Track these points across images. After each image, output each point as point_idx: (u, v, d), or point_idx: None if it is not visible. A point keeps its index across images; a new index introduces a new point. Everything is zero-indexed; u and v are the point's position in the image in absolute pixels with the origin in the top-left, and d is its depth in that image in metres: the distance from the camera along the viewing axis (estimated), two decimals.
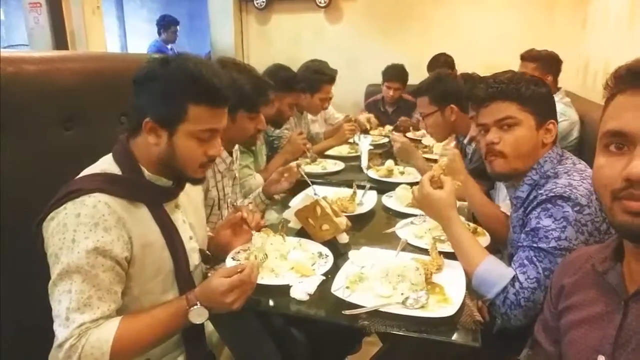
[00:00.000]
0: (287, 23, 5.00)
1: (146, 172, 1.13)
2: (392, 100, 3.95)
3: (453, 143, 2.35)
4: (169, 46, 5.47)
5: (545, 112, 1.32)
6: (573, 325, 0.87)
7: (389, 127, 3.66)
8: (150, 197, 1.13)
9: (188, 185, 1.23)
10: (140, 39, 6.20)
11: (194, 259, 1.22)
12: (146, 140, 1.09)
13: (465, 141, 2.33)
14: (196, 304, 1.04)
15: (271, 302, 1.21)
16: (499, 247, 1.66)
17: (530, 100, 1.30)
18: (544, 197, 1.21)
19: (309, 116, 3.26)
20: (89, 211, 1.00)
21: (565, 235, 1.15)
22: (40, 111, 1.27)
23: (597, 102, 2.36)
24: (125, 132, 1.16)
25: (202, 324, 1.13)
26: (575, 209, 1.15)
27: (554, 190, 1.19)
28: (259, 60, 4.73)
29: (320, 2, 4.76)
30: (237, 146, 1.93)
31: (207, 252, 1.30)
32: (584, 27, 3.87)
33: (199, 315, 1.05)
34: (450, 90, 2.26)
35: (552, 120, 1.33)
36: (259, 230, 1.44)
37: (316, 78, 2.89)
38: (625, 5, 2.91)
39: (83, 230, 0.99)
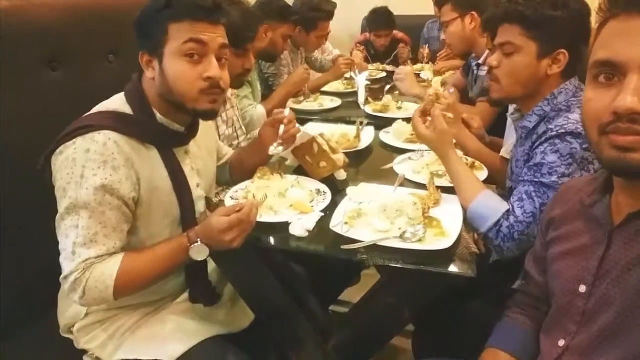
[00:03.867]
0: None
1: (158, 115, 1.11)
2: (384, 47, 3.74)
3: (452, 90, 2.31)
4: None
5: (554, 39, 1.20)
6: (559, 256, 0.89)
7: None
8: (161, 140, 1.12)
9: (199, 134, 1.22)
10: None
11: (200, 206, 1.23)
12: (148, 77, 1.09)
13: (481, 61, 2.26)
14: (197, 242, 1.06)
15: (271, 239, 1.23)
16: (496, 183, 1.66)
17: (536, 25, 1.19)
18: (554, 133, 1.15)
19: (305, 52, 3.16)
20: (98, 148, 1.00)
21: (570, 172, 1.13)
22: (20, 52, 1.22)
23: None
24: (137, 72, 1.14)
25: (205, 262, 1.16)
26: (584, 146, 1.11)
27: (566, 126, 1.14)
28: None
29: None
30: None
31: (213, 199, 1.31)
32: None
33: (199, 252, 1.07)
34: None
35: (563, 50, 1.20)
36: (288, 142, 1.42)
37: (312, 16, 2.75)
38: None
39: (92, 167, 0.99)
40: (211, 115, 1.16)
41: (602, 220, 0.80)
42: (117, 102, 1.11)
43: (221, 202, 1.36)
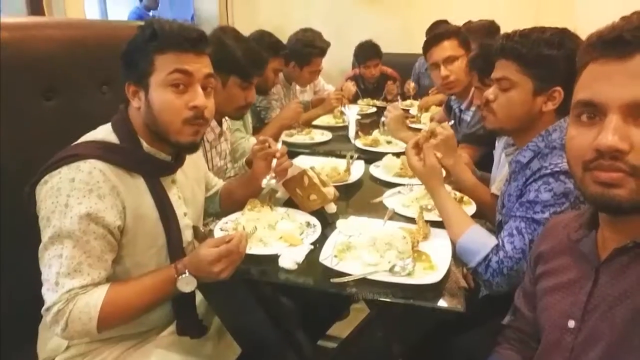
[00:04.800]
0: None
1: (144, 144, 1.12)
2: (374, 78, 3.85)
3: (451, 122, 2.34)
4: (151, 13, 5.31)
5: (550, 77, 1.21)
6: (548, 291, 0.89)
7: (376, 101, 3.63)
8: (147, 169, 1.12)
9: (187, 163, 1.22)
10: (121, 6, 5.99)
11: (187, 235, 1.22)
12: (135, 109, 1.10)
13: (463, 106, 2.30)
14: (184, 273, 1.05)
15: (260, 271, 1.22)
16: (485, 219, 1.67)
17: (532, 62, 1.21)
18: (548, 171, 1.17)
19: (297, 86, 3.22)
20: (83, 177, 0.99)
21: (562, 210, 1.13)
22: (17, 81, 1.23)
23: None
24: (123, 103, 1.15)
25: (192, 294, 1.14)
26: (577, 186, 1.12)
27: (560, 165, 1.15)
28: (245, 29, 4.51)
29: None
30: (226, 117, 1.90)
31: (201, 228, 1.31)
32: None
33: (187, 284, 1.05)
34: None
35: (558, 88, 1.21)
36: (281, 174, 1.45)
37: (307, 52, 2.82)
38: None
39: (77, 196, 0.98)
40: (192, 148, 1.17)
41: (588, 255, 0.81)
42: (104, 132, 1.11)
43: (209, 232, 1.35)
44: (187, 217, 1.23)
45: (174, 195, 1.19)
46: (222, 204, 1.54)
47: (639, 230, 0.72)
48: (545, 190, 1.16)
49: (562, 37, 1.21)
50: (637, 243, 0.71)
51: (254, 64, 1.74)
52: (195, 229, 1.27)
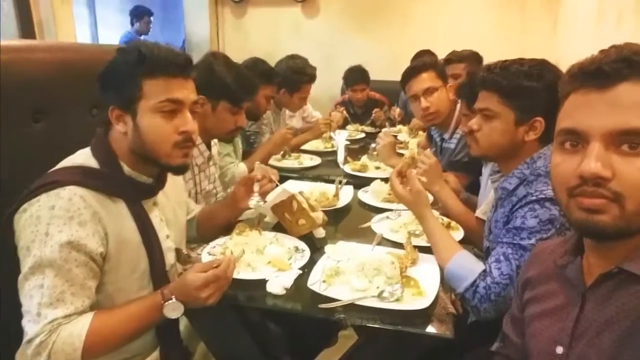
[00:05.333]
0: (263, 17, 4.96)
1: (125, 168, 1.10)
2: (361, 102, 3.93)
3: (432, 150, 2.37)
4: (142, 37, 5.35)
5: (531, 108, 1.25)
6: (535, 317, 0.89)
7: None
8: (128, 193, 1.10)
9: (167, 185, 1.21)
10: (112, 30, 6.04)
11: (170, 258, 1.21)
12: (118, 131, 1.08)
13: (446, 136, 2.34)
14: (171, 299, 1.03)
15: (248, 297, 1.21)
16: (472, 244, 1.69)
17: (512, 94, 1.25)
18: (533, 197, 1.19)
19: (287, 112, 3.25)
20: (64, 204, 0.97)
21: (548, 237, 1.15)
22: (7, 102, 1.23)
23: None
24: (102, 126, 1.13)
25: (177, 319, 1.12)
26: (562, 212, 1.14)
27: (545, 192, 1.18)
28: (236, 54, 4.58)
29: None
30: (215, 140, 1.92)
31: (184, 251, 1.29)
32: (555, 28, 3.97)
33: (173, 309, 1.04)
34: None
35: (539, 118, 1.25)
36: (263, 196, 1.48)
37: (297, 79, 2.87)
38: (593, 8, 3.00)
39: (57, 224, 0.96)
40: (182, 170, 1.17)
41: (574, 281, 0.82)
42: (83, 157, 1.09)
43: (196, 256, 1.34)
44: (169, 239, 1.21)
45: (155, 217, 1.17)
46: (199, 229, 1.53)
47: (623, 256, 0.73)
48: (531, 216, 1.18)
49: (541, 69, 1.25)
50: (622, 269, 0.72)
51: (244, 89, 1.77)
52: (177, 251, 1.25)
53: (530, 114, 1.25)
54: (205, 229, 1.52)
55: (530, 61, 1.28)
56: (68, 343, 0.95)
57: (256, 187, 1.45)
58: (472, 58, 2.99)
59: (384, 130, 2.50)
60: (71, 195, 0.98)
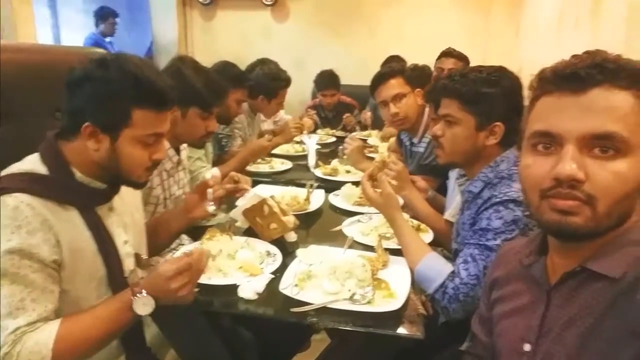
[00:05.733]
0: (233, 20, 4.93)
1: (77, 174, 1.05)
2: (331, 106, 3.96)
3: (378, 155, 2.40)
4: (108, 39, 5.21)
5: (489, 114, 1.29)
6: (503, 316, 0.91)
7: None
8: (81, 200, 1.05)
9: (123, 188, 1.17)
10: (76, 31, 5.86)
11: (129, 264, 1.16)
12: (83, 145, 1.03)
13: (415, 140, 2.37)
14: (141, 292, 0.99)
15: (219, 302, 1.20)
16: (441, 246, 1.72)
17: (472, 100, 1.29)
18: (498, 199, 1.23)
19: (261, 116, 3.25)
20: (10, 212, 0.92)
21: (512, 237, 1.18)
22: None
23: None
24: (55, 130, 1.08)
25: (143, 327, 1.09)
26: (526, 213, 1.17)
27: (509, 193, 1.21)
28: (205, 57, 4.54)
29: (266, 0, 4.74)
30: (185, 145, 1.89)
31: (143, 256, 1.25)
32: (518, 33, 4.11)
33: (143, 304, 0.99)
34: (421, 76, 2.34)
35: (499, 123, 1.29)
36: (218, 203, 1.44)
37: (274, 85, 2.88)
38: (554, 14, 3.11)
39: (4, 233, 0.91)
40: (143, 185, 1.17)
41: (539, 280, 0.84)
42: (31, 162, 1.03)
43: (157, 259, 1.31)
44: (127, 244, 1.17)
45: (112, 224, 1.13)
46: (148, 238, 1.42)
47: (586, 255, 0.75)
48: (496, 218, 1.22)
49: (500, 76, 1.30)
50: (585, 268, 0.75)
51: (214, 94, 1.75)
52: (136, 256, 1.21)
53: (489, 119, 1.30)
54: (154, 239, 1.42)
55: (488, 68, 1.33)
56: (35, 352, 0.90)
57: (209, 195, 1.41)
58: (462, 57, 3.26)
59: (350, 135, 2.51)
60: (17, 203, 0.93)
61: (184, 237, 1.70)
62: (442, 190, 2.00)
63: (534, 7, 3.71)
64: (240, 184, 1.52)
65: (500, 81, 1.29)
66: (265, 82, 2.86)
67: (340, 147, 2.48)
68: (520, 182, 0.82)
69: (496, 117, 1.29)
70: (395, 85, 2.26)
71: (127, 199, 1.23)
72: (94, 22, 5.21)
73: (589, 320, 0.72)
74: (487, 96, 1.28)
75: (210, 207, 1.40)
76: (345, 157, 2.46)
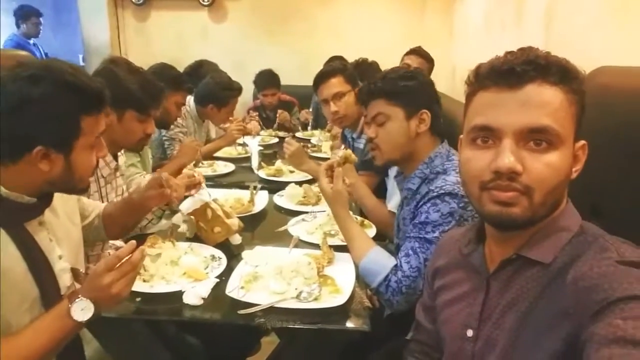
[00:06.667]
0: (168, 21, 4.79)
1: (2, 189, 0.97)
2: (272, 106, 3.94)
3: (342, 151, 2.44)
4: (32, 41, 4.87)
5: (416, 103, 1.40)
6: (446, 304, 0.95)
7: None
8: (6, 217, 0.98)
9: (55, 198, 1.10)
10: None
11: (65, 280, 1.09)
12: (29, 168, 0.96)
13: (355, 135, 2.43)
14: (78, 298, 0.95)
15: (163, 310, 1.16)
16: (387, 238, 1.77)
17: (397, 94, 1.39)
18: (434, 193, 1.29)
19: (209, 123, 3.20)
20: None
21: (449, 229, 1.23)
22: None
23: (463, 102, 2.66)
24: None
25: (81, 343, 1.04)
26: (460, 205, 1.25)
27: (444, 187, 1.27)
28: (140, 59, 4.36)
29: (203, 1, 4.65)
30: (122, 150, 1.81)
31: (81, 270, 1.19)
32: (451, 35, 4.29)
33: (82, 310, 0.94)
34: (368, 72, 2.40)
35: (425, 110, 1.40)
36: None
37: (225, 94, 2.84)
38: (481, 17, 3.29)
39: None
40: (87, 190, 1.14)
41: (479, 268, 0.88)
42: None
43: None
44: (62, 259, 1.10)
45: (44, 239, 1.05)
46: (107, 231, 1.43)
47: (521, 243, 0.80)
48: (433, 211, 1.28)
49: (412, 72, 1.48)
50: (520, 255, 0.79)
51: (151, 96, 1.70)
52: (74, 270, 1.14)
53: (416, 107, 1.41)
54: (111, 231, 1.44)
55: (403, 68, 1.53)
56: None
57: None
58: (429, 58, 3.42)
59: (287, 139, 2.50)
60: None
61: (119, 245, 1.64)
62: (382, 185, 2.06)
63: (464, 11, 3.89)
64: (194, 178, 1.52)
65: (415, 76, 1.45)
66: (216, 91, 2.82)
67: (283, 150, 2.48)
68: (460, 174, 0.85)
69: (421, 105, 1.41)
70: (335, 84, 2.31)
71: (60, 210, 1.16)
72: (14, 22, 4.85)
73: (525, 304, 0.76)
74: (408, 88, 1.40)
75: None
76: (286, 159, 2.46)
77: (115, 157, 1.73)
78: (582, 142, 0.78)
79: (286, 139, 2.49)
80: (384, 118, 1.41)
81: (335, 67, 2.40)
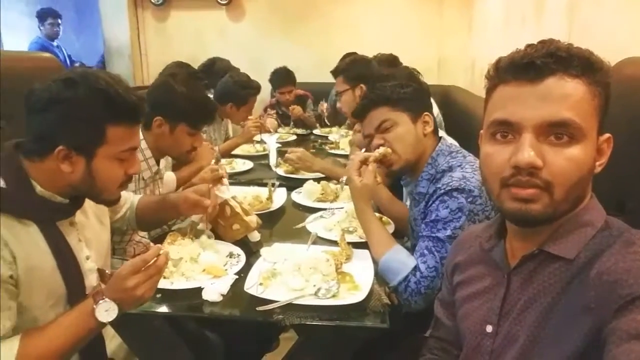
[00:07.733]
0: (186, 20, 4.84)
1: (38, 188, 1.01)
2: (289, 102, 3.95)
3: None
4: (55, 43, 4.98)
5: (417, 107, 1.44)
6: (466, 299, 0.94)
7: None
8: (40, 214, 1.01)
9: (87, 200, 1.13)
10: (19, 35, 5.59)
11: (91, 280, 1.12)
12: (54, 166, 0.99)
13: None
14: (102, 299, 0.96)
15: (183, 306, 1.18)
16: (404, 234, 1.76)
17: (399, 100, 1.42)
18: (442, 190, 1.29)
19: (229, 121, 3.23)
20: None
21: (460, 225, 1.24)
22: None
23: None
24: (14, 141, 1.04)
25: (103, 340, 1.06)
26: (469, 199, 1.25)
27: (451, 184, 1.28)
28: (159, 59, 4.53)
29: (221, 0, 4.68)
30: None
31: (107, 271, 1.21)
32: (470, 29, 4.23)
33: (106, 311, 0.96)
34: (362, 72, 2.39)
35: (427, 113, 1.45)
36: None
37: (244, 93, 2.87)
38: (501, 11, 3.23)
39: None
40: (115, 203, 1.17)
41: (499, 263, 0.87)
42: None
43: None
44: (90, 260, 1.13)
45: (74, 239, 1.09)
46: (139, 222, 1.49)
47: (543, 238, 0.78)
48: (442, 208, 1.28)
49: (409, 78, 1.52)
50: (542, 250, 0.78)
51: (203, 114, 1.79)
52: (100, 271, 1.17)
53: (418, 110, 1.44)
54: (144, 225, 1.51)
55: (399, 75, 1.57)
56: None
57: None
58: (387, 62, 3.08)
59: (286, 155, 2.46)
60: None
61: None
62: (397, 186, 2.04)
63: (483, 3, 3.83)
64: (217, 173, 1.59)
65: (412, 81, 1.50)
66: (236, 90, 2.85)
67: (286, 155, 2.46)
68: (480, 170, 0.84)
69: (422, 109, 1.45)
70: (337, 84, 2.47)
71: (91, 212, 1.20)
72: (37, 25, 4.96)
73: (547, 299, 0.75)
74: (408, 94, 1.44)
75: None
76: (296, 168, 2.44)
77: (158, 162, 1.77)
78: (607, 135, 0.76)
79: (286, 155, 2.43)
80: (391, 123, 1.42)
81: (338, 67, 2.48)
